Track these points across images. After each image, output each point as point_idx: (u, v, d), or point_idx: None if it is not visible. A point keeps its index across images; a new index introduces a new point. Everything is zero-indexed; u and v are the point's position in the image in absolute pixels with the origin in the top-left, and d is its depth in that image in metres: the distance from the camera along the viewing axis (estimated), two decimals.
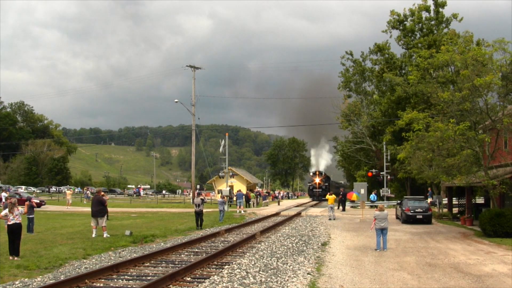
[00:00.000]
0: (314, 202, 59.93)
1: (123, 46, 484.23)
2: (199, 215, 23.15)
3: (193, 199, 33.79)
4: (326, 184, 66.09)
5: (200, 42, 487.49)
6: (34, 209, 20.87)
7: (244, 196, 41.82)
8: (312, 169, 79.66)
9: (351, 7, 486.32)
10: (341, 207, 38.71)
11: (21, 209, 14.04)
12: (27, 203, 19.94)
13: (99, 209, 18.63)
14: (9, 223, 13.57)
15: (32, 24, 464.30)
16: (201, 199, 24.38)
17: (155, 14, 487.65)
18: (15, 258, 13.28)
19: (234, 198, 42.64)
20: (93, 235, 18.34)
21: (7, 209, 13.88)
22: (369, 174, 44.62)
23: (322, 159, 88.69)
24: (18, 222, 13.65)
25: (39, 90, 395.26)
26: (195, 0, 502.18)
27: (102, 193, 20.08)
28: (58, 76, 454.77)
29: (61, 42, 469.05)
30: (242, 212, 36.01)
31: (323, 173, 69.00)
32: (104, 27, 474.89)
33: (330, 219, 28.55)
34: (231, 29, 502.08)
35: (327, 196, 31.43)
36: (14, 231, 13.56)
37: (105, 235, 18.26)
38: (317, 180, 66.54)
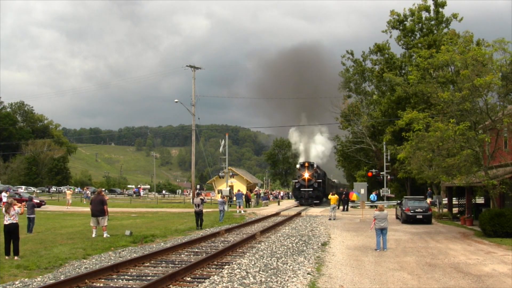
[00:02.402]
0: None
1: (121, 46, 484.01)
2: (199, 215, 23.17)
3: (193, 199, 33.76)
4: (319, 181, 48.31)
5: (198, 42, 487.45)
6: (34, 209, 20.84)
7: (244, 196, 41.84)
8: (300, 159, 56.67)
9: (349, 7, 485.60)
10: (341, 207, 38.65)
11: (18, 209, 13.98)
12: (23, 203, 19.89)
13: (100, 209, 18.64)
14: (6, 223, 13.54)
15: (30, 24, 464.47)
16: (201, 199, 24.39)
17: (152, 14, 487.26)
18: (15, 257, 13.28)
19: (234, 198, 42.66)
20: (93, 235, 18.35)
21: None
22: (369, 174, 44.48)
23: (314, 147, 65.38)
24: (14, 222, 13.58)
25: (38, 90, 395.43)
26: (192, 0, 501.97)
27: (103, 193, 20.10)
28: (57, 76, 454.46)
29: (60, 42, 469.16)
30: (242, 212, 36.03)
31: (315, 166, 49.37)
32: (102, 27, 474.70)
33: (330, 219, 28.55)
34: (229, 28, 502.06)
35: (330, 197, 31.18)
36: (10, 231, 13.53)
37: (105, 235, 18.28)
38: (306, 175, 47.80)
